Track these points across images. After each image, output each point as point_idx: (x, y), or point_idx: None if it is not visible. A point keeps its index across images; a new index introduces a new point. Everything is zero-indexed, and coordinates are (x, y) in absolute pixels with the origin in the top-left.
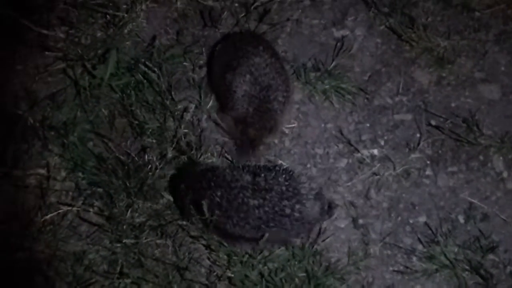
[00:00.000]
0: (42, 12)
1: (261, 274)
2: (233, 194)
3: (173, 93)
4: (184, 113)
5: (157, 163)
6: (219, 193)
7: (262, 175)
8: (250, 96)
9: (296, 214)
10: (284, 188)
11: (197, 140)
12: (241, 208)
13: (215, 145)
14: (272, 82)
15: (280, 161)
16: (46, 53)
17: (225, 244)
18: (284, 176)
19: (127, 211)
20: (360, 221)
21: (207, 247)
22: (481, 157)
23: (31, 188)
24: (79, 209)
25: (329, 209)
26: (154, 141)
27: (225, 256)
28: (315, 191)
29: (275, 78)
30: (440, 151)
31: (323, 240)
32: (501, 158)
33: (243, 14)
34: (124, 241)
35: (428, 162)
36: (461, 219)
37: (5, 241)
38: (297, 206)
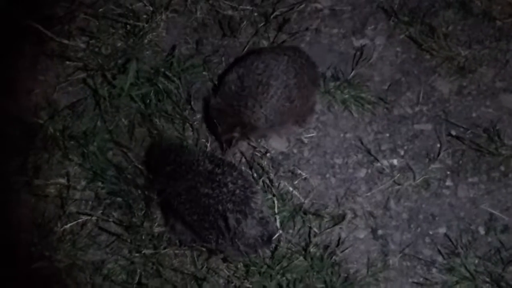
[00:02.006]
0: (63, 22)
1: (280, 285)
2: (190, 176)
3: (192, 103)
4: (203, 123)
5: None
6: (179, 170)
7: (223, 169)
8: (231, 91)
9: (233, 222)
10: (237, 191)
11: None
12: (192, 192)
13: (234, 155)
14: (258, 84)
15: (299, 171)
16: (67, 63)
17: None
18: (243, 183)
19: (146, 221)
20: (379, 231)
21: (225, 257)
22: (502, 168)
23: (51, 197)
24: (98, 218)
25: (267, 240)
26: None
27: (243, 267)
28: (262, 215)
29: (267, 83)
30: (460, 162)
31: (342, 251)
32: None
33: (262, 24)
34: (143, 251)
35: (448, 172)
36: (482, 230)
37: (25, 250)
38: (238, 215)
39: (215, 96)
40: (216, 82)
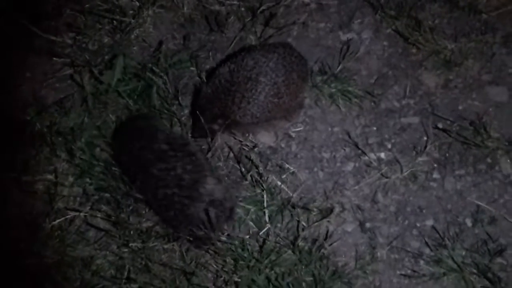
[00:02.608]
0: (50, 18)
1: (268, 279)
2: (146, 152)
3: (180, 98)
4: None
5: None
6: (137, 146)
7: (176, 153)
8: (221, 84)
9: (178, 206)
10: (184, 175)
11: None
12: (145, 170)
13: (222, 149)
14: (247, 80)
15: (287, 165)
16: (54, 59)
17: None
18: (192, 168)
19: (134, 216)
20: (367, 224)
21: (214, 252)
22: (488, 160)
23: (39, 193)
24: (86, 214)
25: (226, 219)
26: None
27: (232, 261)
28: (213, 198)
29: (256, 79)
30: (447, 154)
31: (330, 244)
32: (508, 160)
33: (249, 18)
34: (131, 245)
35: (435, 165)
36: (469, 222)
37: (14, 246)
38: (186, 201)
39: (206, 85)
40: (205, 76)
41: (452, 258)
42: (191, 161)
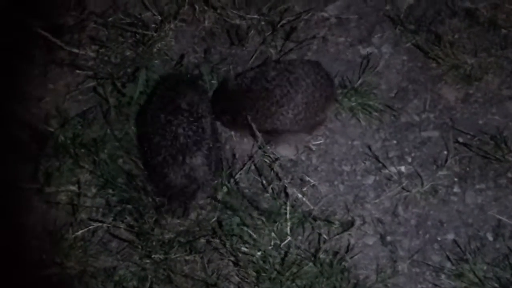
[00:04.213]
0: (73, 31)
1: None
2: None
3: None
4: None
5: None
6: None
7: (189, 117)
8: (239, 84)
9: (160, 159)
10: (181, 138)
11: (227, 156)
12: (157, 114)
13: (244, 157)
14: (262, 88)
15: (307, 178)
16: (77, 71)
17: None
18: (193, 135)
19: (156, 227)
20: (388, 238)
21: (236, 263)
22: (509, 174)
23: (62, 204)
24: (109, 225)
25: (191, 195)
26: None
27: (254, 273)
28: (193, 174)
29: (272, 91)
30: (468, 168)
31: (351, 257)
32: None
33: (269, 32)
34: (153, 256)
35: (456, 179)
36: (490, 236)
37: (37, 256)
38: (169, 159)
39: (228, 82)
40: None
41: (474, 273)
42: (195, 130)
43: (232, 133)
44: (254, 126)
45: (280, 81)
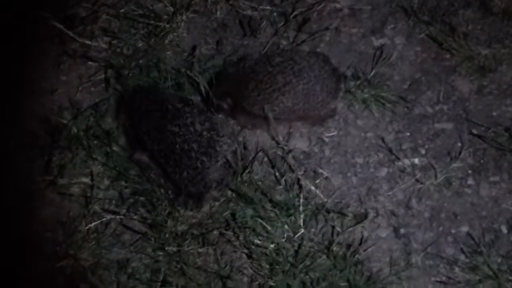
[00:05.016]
0: (85, 23)
1: (303, 283)
2: (158, 113)
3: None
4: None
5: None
6: (149, 109)
7: (192, 109)
8: (243, 66)
9: (193, 163)
10: (204, 132)
11: (240, 148)
12: (160, 129)
13: (256, 149)
14: (266, 72)
15: (320, 170)
16: (89, 63)
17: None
18: (210, 126)
19: (170, 219)
20: (402, 230)
21: (249, 256)
22: None
23: (75, 196)
24: (122, 217)
25: (224, 185)
26: None
27: (267, 265)
28: (225, 161)
29: (274, 76)
30: (482, 160)
31: (365, 250)
32: None
33: (282, 24)
34: (166, 249)
35: (470, 171)
36: (504, 229)
37: (51, 248)
38: (203, 157)
39: (231, 66)
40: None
41: (488, 265)
42: (207, 118)
43: (236, 124)
44: (270, 116)
45: (284, 68)
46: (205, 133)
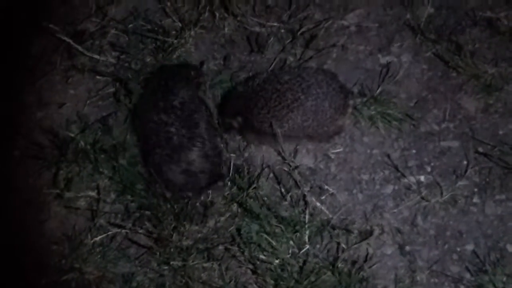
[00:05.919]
0: (94, 37)
1: None
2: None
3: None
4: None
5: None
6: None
7: (183, 113)
8: (252, 84)
9: (157, 159)
10: (175, 137)
11: (246, 164)
12: (151, 115)
13: (262, 164)
14: (275, 90)
15: (326, 186)
16: (97, 77)
17: None
18: (187, 133)
19: (175, 234)
20: (407, 248)
21: (254, 271)
22: None
23: (81, 210)
24: (128, 231)
25: (198, 192)
26: None
27: (272, 281)
28: (189, 168)
29: (283, 93)
30: (487, 179)
31: (370, 267)
32: None
33: (289, 40)
34: (171, 263)
35: (476, 189)
36: (510, 247)
37: (56, 261)
38: (166, 158)
39: (240, 84)
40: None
41: (493, 284)
42: (189, 127)
43: (242, 140)
44: (279, 132)
45: (292, 85)
46: (175, 138)
